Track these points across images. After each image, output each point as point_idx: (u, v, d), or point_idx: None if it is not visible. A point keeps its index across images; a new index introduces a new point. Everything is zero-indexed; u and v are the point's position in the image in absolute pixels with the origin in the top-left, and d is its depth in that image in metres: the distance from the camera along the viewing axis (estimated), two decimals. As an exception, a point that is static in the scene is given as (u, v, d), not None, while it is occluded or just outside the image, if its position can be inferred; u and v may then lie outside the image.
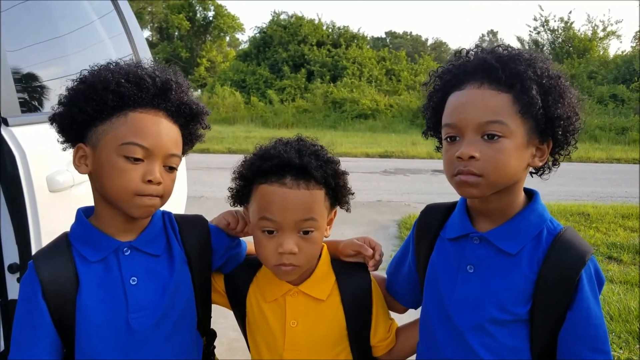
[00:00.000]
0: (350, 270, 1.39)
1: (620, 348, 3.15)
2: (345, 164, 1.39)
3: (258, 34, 27.99)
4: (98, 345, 1.18)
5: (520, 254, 1.19)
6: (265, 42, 27.09)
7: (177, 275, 1.26)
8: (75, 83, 1.20)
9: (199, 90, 29.06)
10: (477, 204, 1.25)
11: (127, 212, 1.18)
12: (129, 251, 1.22)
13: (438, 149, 1.31)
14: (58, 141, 1.24)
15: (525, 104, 1.12)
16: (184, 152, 1.29)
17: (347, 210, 1.36)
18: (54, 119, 1.23)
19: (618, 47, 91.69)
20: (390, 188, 8.86)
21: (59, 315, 1.16)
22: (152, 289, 1.22)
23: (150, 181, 1.15)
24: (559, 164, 1.26)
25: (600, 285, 1.20)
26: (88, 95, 1.15)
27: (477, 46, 1.23)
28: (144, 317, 1.20)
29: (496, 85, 1.14)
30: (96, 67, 1.21)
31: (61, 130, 1.23)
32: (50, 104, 2.06)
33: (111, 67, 1.21)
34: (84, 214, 1.25)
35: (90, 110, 1.15)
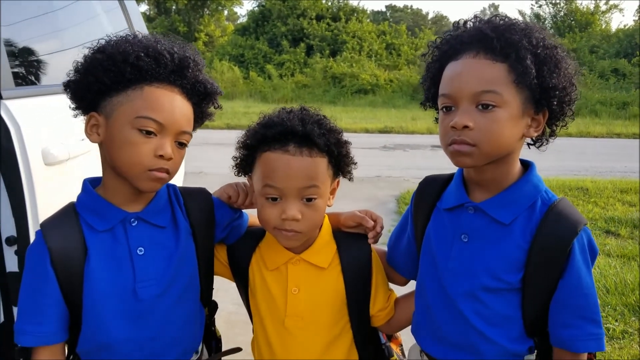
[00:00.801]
0: (351, 241, 1.41)
1: (616, 320, 3.19)
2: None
3: (256, 8, 27.69)
4: (105, 313, 1.20)
5: (513, 223, 1.21)
6: (264, 15, 26.81)
7: (183, 247, 1.28)
8: (93, 52, 1.19)
9: (198, 65, 28.82)
10: (473, 174, 1.25)
11: (136, 185, 1.19)
12: (136, 222, 1.23)
13: (437, 120, 1.31)
14: (70, 107, 1.24)
15: (520, 74, 1.12)
16: (194, 129, 1.30)
17: (350, 179, 1.38)
18: (68, 86, 1.22)
19: (620, 20, 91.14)
20: (390, 163, 8.87)
21: (67, 283, 1.18)
22: (159, 260, 1.24)
23: (161, 156, 1.16)
24: (555, 135, 1.26)
25: (593, 256, 1.21)
26: (106, 66, 1.15)
27: (475, 16, 1.23)
28: (151, 287, 1.22)
29: (491, 55, 1.14)
30: (114, 38, 1.21)
31: (74, 98, 1.23)
32: (45, 77, 2.04)
33: (130, 39, 1.20)
34: (90, 184, 1.26)
35: (107, 81, 1.16)
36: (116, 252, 1.21)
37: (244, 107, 17.40)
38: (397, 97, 20.18)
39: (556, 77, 1.14)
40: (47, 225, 1.21)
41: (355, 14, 26.58)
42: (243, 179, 1.42)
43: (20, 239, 1.58)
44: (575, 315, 1.18)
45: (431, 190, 1.37)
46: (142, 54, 1.16)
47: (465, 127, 1.13)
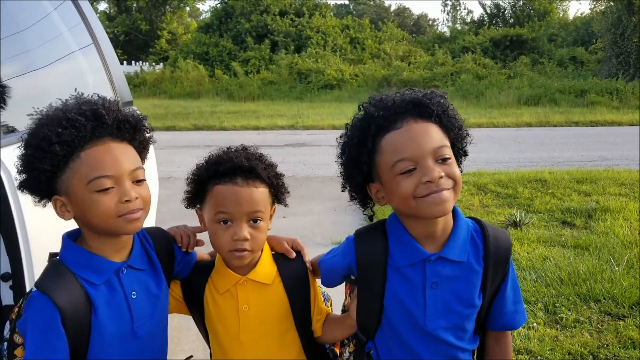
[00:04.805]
0: (288, 260, 1.62)
1: (569, 310, 3.40)
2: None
3: (219, 4, 27.57)
4: (111, 354, 1.35)
5: (468, 258, 1.43)
6: (226, 12, 26.73)
7: (162, 284, 1.46)
8: (22, 149, 1.31)
9: (161, 64, 28.50)
10: (423, 228, 1.41)
11: (118, 233, 1.33)
12: (126, 270, 1.38)
13: (353, 197, 1.54)
14: (34, 201, 1.35)
15: (451, 128, 1.38)
16: (143, 160, 1.42)
17: (285, 205, 1.61)
18: (22, 186, 1.34)
19: (577, 8, 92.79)
20: (357, 161, 8.95)
21: (76, 336, 1.29)
22: (147, 299, 1.41)
23: (127, 201, 1.29)
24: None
25: None
26: (38, 156, 1.26)
27: (375, 95, 1.48)
28: (146, 324, 1.39)
29: (427, 118, 1.36)
30: (32, 128, 1.31)
31: (33, 192, 1.34)
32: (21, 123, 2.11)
33: (43, 121, 1.30)
34: (71, 240, 1.37)
35: (47, 167, 1.27)
36: (115, 300, 1.35)
37: (211, 107, 17.30)
38: (362, 91, 20.29)
39: (463, 126, 1.43)
40: (50, 287, 1.27)
41: (319, 9, 26.69)
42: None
43: (14, 275, 1.70)
44: (511, 303, 1.48)
45: (375, 250, 1.47)
46: (60, 130, 1.25)
47: (440, 177, 1.31)
